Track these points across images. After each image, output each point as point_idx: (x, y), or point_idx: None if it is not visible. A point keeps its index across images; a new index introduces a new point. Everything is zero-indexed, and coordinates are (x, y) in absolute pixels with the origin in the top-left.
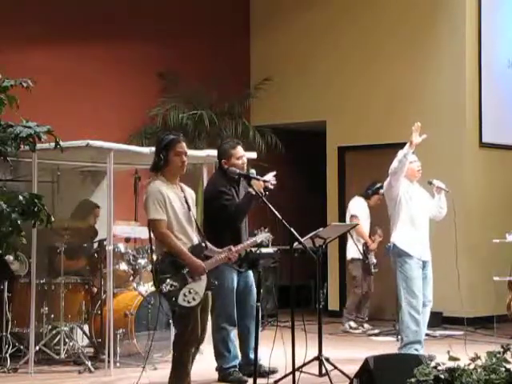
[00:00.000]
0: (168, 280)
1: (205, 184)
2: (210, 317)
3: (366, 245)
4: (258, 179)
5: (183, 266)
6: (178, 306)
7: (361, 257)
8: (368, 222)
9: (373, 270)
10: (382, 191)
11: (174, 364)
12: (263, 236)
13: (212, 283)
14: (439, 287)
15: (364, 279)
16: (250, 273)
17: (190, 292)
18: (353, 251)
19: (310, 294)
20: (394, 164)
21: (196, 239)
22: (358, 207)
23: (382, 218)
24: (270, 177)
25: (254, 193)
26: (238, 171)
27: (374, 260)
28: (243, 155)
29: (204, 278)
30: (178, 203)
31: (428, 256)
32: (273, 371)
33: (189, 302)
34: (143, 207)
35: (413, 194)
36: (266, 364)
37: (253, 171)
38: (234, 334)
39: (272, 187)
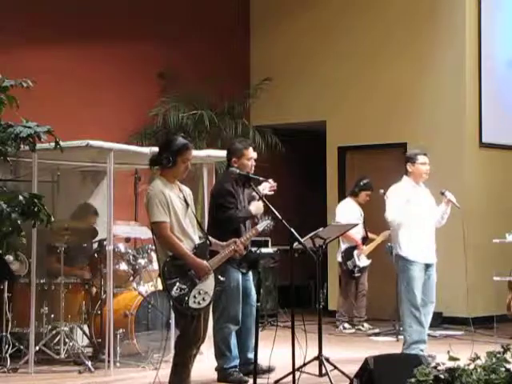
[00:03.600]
0: (177, 284)
1: (205, 184)
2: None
3: (348, 249)
4: (258, 179)
5: (190, 268)
6: (189, 309)
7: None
8: (360, 221)
9: (356, 275)
10: (369, 192)
11: (175, 364)
12: (264, 223)
13: (219, 280)
14: (440, 287)
15: (346, 283)
16: (250, 274)
17: (199, 293)
18: (338, 255)
19: (310, 294)
20: (392, 220)
21: (198, 238)
22: (343, 213)
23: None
24: (268, 184)
25: (253, 212)
26: (237, 171)
27: (358, 263)
28: (253, 157)
29: (211, 276)
30: (179, 203)
31: (432, 259)
32: (270, 370)
33: (199, 304)
34: (145, 209)
35: (417, 198)
36: (263, 363)
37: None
38: (235, 333)
39: (271, 193)
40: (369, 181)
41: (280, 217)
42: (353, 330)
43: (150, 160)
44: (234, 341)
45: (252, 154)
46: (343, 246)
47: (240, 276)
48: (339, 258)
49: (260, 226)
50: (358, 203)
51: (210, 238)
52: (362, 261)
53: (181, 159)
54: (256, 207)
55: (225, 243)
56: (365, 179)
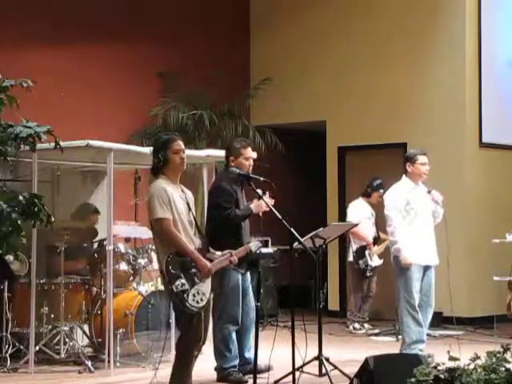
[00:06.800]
0: (178, 280)
1: (205, 184)
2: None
3: (360, 248)
4: (258, 179)
5: (191, 266)
6: (188, 307)
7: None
8: (371, 221)
9: (368, 274)
10: (381, 192)
11: (177, 364)
12: (256, 244)
13: (215, 285)
14: (439, 287)
15: (358, 282)
16: (249, 274)
17: (198, 293)
18: (350, 254)
19: (310, 294)
20: (392, 235)
21: (197, 241)
22: (355, 212)
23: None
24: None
25: (254, 211)
26: (237, 171)
27: (371, 262)
28: (251, 157)
29: (209, 280)
30: (181, 204)
31: (432, 260)
32: (269, 368)
33: (197, 303)
34: (146, 206)
35: (416, 200)
36: (261, 362)
37: (259, 191)
38: (234, 334)
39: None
40: (381, 181)
41: (280, 216)
42: (363, 331)
43: (151, 170)
44: (233, 341)
45: (250, 153)
46: (354, 246)
47: (239, 276)
48: (350, 258)
49: (252, 245)
50: (369, 203)
51: (208, 246)
52: (375, 260)
53: (170, 152)
54: (256, 205)
55: (220, 253)
56: (377, 180)
